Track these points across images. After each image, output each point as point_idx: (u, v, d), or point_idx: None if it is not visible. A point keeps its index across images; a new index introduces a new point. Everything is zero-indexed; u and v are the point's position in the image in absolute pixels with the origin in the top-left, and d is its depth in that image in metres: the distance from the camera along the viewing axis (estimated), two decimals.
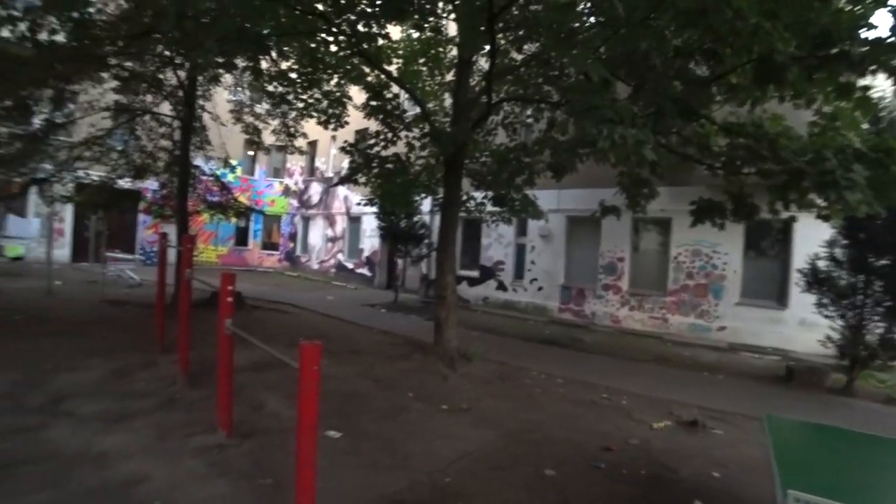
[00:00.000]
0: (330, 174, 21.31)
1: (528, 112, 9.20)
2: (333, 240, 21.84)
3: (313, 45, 7.95)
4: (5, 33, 7.62)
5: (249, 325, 4.10)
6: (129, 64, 9.49)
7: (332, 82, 9.56)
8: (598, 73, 4.44)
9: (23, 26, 7.45)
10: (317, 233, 22.93)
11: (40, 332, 7.18)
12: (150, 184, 11.83)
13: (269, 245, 24.79)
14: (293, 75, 9.48)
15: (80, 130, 10.59)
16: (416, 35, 9.00)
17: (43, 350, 6.17)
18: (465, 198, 9.53)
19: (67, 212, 17.45)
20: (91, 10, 7.54)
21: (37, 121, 9.62)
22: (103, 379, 5.26)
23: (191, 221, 11.01)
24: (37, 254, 16.39)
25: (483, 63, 8.53)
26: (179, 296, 6.04)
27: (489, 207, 9.61)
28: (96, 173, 11.24)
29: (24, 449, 3.54)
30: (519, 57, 7.98)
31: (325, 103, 9.85)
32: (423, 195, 10.21)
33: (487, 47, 6.42)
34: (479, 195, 9.67)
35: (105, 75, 9.58)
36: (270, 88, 10.30)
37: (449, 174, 7.68)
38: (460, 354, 7.25)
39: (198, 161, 11.59)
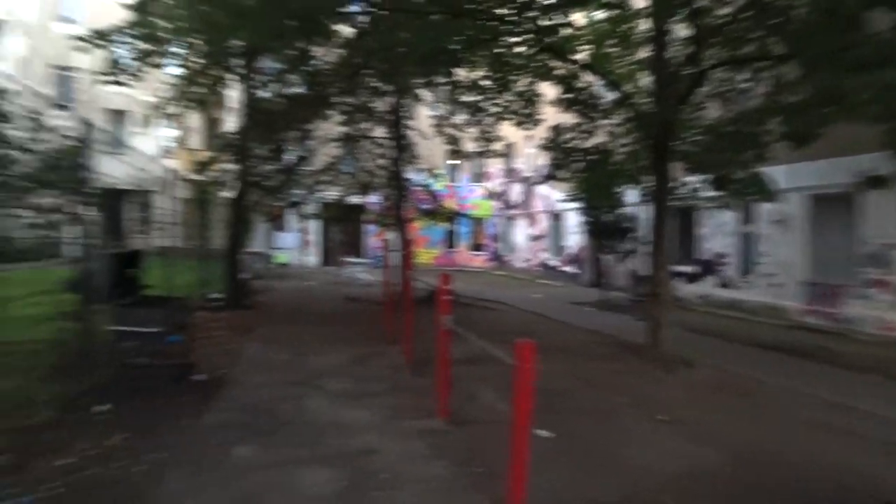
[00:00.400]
0: (529, 174, 21.62)
1: (744, 76, 7.82)
2: (536, 238, 22.10)
3: (500, 50, 8.14)
4: (263, 94, 9.88)
5: (462, 321, 4.42)
6: (348, 99, 11.16)
7: (523, 83, 9.67)
8: (852, 4, 3.42)
9: (275, 87, 9.56)
10: (520, 232, 23.52)
11: (301, 321, 9.02)
12: (373, 198, 13.64)
13: (476, 246, 26.37)
14: (485, 82, 9.89)
15: (318, 160, 12.80)
16: (601, 16, 8.49)
17: (303, 336, 7.67)
18: (676, 184, 8.63)
19: (315, 226, 21.44)
20: (317, 62, 9.21)
21: (288, 157, 11.95)
22: (345, 363, 6.24)
23: (407, 228, 12.33)
24: (296, 260, 21.42)
25: (681, 31, 7.58)
26: (403, 294, 6.80)
27: (706, 192, 8.52)
28: (332, 193, 13.44)
29: (292, 412, 4.42)
30: (725, 11, 6.81)
31: (518, 105, 10.03)
32: (627, 186, 9.61)
33: (684, 10, 5.68)
34: (693, 179, 8.66)
35: (332, 112, 11.42)
36: (466, 99, 10.93)
37: (657, 159, 7.04)
38: (677, 358, 6.56)
39: (409, 174, 12.92)
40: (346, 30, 9.27)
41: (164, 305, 5.30)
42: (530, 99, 9.87)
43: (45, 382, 4.25)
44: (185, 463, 3.33)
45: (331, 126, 12.27)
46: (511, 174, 24.17)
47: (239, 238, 10.65)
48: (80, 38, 7.93)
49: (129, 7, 7.62)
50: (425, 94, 11.49)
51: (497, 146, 12.82)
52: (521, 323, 9.94)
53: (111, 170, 6.23)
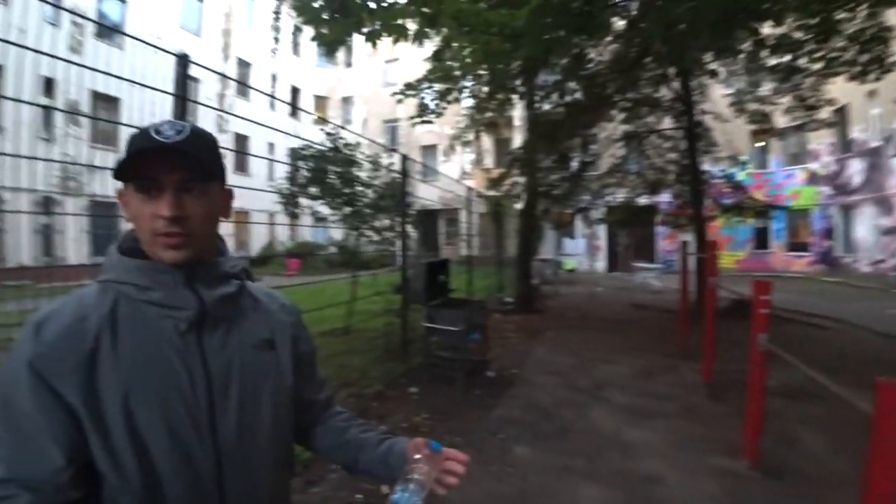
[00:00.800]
0: (876, 143, 16.47)
1: None
2: (891, 232, 16.57)
3: None
4: (544, 106, 10.31)
5: (777, 339, 3.54)
6: (629, 95, 10.58)
7: (859, 18, 7.34)
8: None
9: (554, 97, 9.91)
10: (864, 224, 18.02)
11: (586, 327, 8.96)
12: (664, 197, 12.59)
13: (795, 245, 21.44)
14: (798, 34, 7.90)
15: (604, 162, 12.54)
16: None
17: (589, 342, 7.58)
18: None
19: (602, 231, 21.22)
20: (591, 66, 9.08)
21: (573, 164, 12.08)
22: (632, 375, 5.86)
23: (706, 227, 10.94)
24: (583, 266, 21.51)
25: None
26: (703, 303, 6.06)
27: None
28: (619, 195, 12.97)
29: (573, 420, 4.39)
30: None
31: (852, 51, 7.69)
32: None
33: None
34: None
35: (613, 111, 11.02)
36: (773, 62, 9.02)
37: None
38: None
39: (706, 166, 11.44)
40: (616, 24, 8.88)
41: (466, 307, 6.01)
42: (873, 37, 7.43)
43: (377, 363, 5.38)
44: (471, 450, 3.65)
45: (614, 126, 11.92)
46: (846, 148, 18.74)
47: (530, 246, 11.35)
48: (398, 93, 9.86)
49: (428, 59, 9.14)
50: (718, 69, 10.01)
51: (823, 114, 10.16)
52: (867, 350, 7.32)
53: (425, 194, 7.67)
